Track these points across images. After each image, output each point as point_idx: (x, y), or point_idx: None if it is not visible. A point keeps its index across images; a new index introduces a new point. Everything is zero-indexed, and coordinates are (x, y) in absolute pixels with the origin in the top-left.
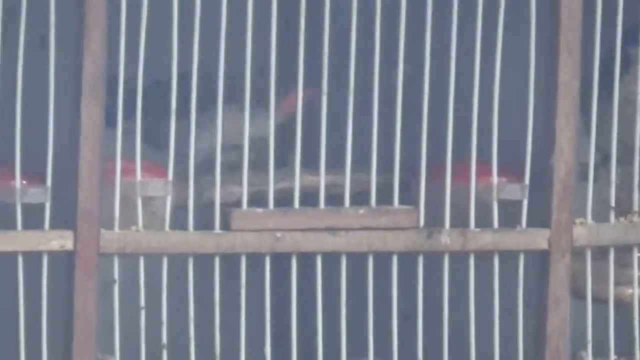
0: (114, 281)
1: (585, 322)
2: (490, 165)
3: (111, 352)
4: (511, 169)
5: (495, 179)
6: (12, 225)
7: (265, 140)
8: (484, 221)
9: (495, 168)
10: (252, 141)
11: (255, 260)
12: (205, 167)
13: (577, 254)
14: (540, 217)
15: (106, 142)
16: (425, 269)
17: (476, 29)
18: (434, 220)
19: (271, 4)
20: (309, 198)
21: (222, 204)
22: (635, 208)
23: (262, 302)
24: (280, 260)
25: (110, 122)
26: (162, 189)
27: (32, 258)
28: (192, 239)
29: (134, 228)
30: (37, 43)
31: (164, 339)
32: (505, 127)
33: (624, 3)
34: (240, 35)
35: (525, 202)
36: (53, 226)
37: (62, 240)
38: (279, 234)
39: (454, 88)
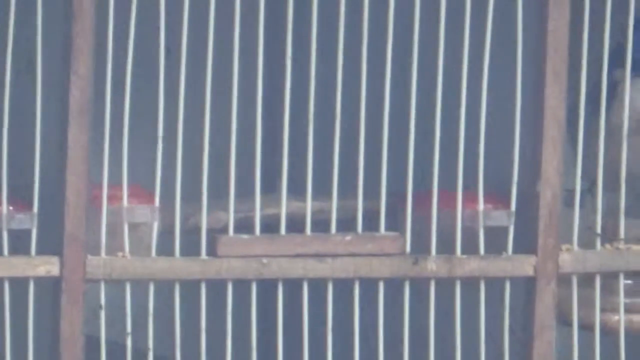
0: (100, 307)
1: (571, 348)
2: (477, 192)
3: None
4: (497, 195)
5: (481, 205)
6: None
7: None
8: (470, 248)
9: (482, 195)
10: None
11: (242, 286)
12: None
13: (563, 280)
14: (526, 244)
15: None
16: (411, 295)
17: (463, 54)
18: (420, 247)
19: (258, 33)
20: (296, 224)
21: (208, 230)
22: (621, 235)
23: (248, 328)
24: (267, 286)
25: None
26: (149, 215)
27: (19, 284)
28: (178, 265)
29: (120, 254)
30: (24, 68)
31: None
32: (491, 154)
33: (611, 31)
34: (228, 55)
35: (511, 229)
36: (39, 252)
37: (48, 266)
38: (265, 260)
39: (440, 115)
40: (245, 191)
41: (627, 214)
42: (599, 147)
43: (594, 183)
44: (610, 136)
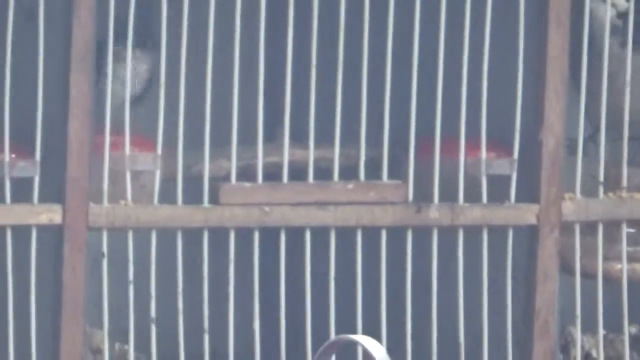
0: (103, 255)
1: (574, 297)
2: (479, 140)
3: (99, 325)
4: (500, 143)
5: (484, 154)
6: (1, 199)
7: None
8: (473, 196)
9: (484, 143)
10: None
11: (244, 234)
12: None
13: (566, 229)
14: (529, 192)
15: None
16: (414, 243)
17: (465, 4)
18: (423, 195)
19: None
20: (298, 172)
21: (210, 178)
22: (624, 183)
23: (251, 276)
24: (269, 234)
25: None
26: (151, 163)
27: (21, 231)
28: (180, 213)
29: (122, 202)
30: (26, 16)
31: (153, 313)
32: (493, 102)
33: None
34: (230, 5)
35: (514, 177)
36: (42, 200)
37: (50, 214)
38: (267, 208)
39: (442, 64)
40: (247, 139)
41: (629, 163)
42: (602, 94)
43: (596, 130)
44: (613, 83)
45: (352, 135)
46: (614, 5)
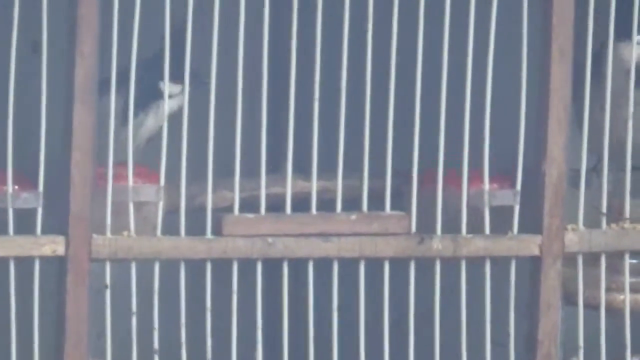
0: (106, 286)
1: (576, 327)
2: (482, 171)
3: (103, 357)
4: (503, 175)
5: (487, 185)
6: (4, 230)
7: None
8: (475, 227)
9: (487, 174)
10: None
11: (247, 265)
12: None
13: (569, 259)
14: (532, 223)
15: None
16: (416, 274)
17: (468, 34)
18: (426, 226)
19: (264, 12)
20: (301, 203)
21: (214, 209)
22: (627, 214)
23: (254, 308)
24: (272, 266)
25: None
26: (154, 195)
27: (24, 263)
28: (183, 244)
29: (125, 233)
30: (29, 48)
31: (156, 344)
32: (497, 133)
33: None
34: (233, 35)
35: (516, 208)
36: (45, 231)
37: (54, 246)
38: (270, 240)
39: (446, 94)
40: (250, 170)
41: (632, 194)
42: (605, 125)
43: (599, 162)
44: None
45: (355, 166)
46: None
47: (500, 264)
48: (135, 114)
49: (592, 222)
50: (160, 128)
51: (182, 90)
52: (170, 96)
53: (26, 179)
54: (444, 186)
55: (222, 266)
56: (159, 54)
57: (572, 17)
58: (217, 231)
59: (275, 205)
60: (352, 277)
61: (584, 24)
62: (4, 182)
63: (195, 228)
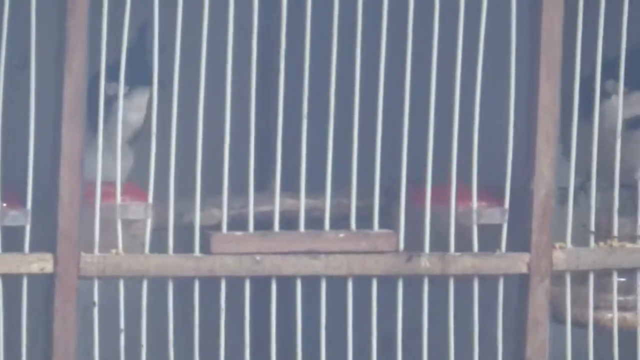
0: (94, 304)
1: (564, 345)
2: (470, 189)
3: None
4: (491, 193)
5: (475, 203)
6: None
7: None
8: (463, 245)
9: (475, 192)
10: None
11: (235, 283)
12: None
13: (557, 277)
14: (520, 241)
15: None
16: (404, 292)
17: (457, 51)
18: (414, 244)
19: (252, 22)
20: (289, 221)
21: (202, 227)
22: (615, 232)
23: (242, 325)
24: (260, 284)
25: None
26: (143, 212)
27: (12, 281)
28: (171, 262)
29: (114, 251)
30: (18, 65)
31: None
32: (485, 151)
33: (605, 25)
34: (221, 53)
35: (505, 226)
36: (33, 249)
37: (42, 263)
38: (258, 257)
39: (434, 112)
40: (238, 188)
41: (620, 212)
42: (593, 145)
43: (587, 180)
44: (603, 135)
45: (343, 184)
46: None
47: (488, 281)
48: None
49: (580, 240)
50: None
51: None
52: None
53: (14, 196)
54: (432, 204)
55: (210, 284)
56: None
57: (561, 34)
58: (206, 249)
59: (264, 223)
60: (340, 294)
61: (572, 44)
62: None
63: (184, 246)
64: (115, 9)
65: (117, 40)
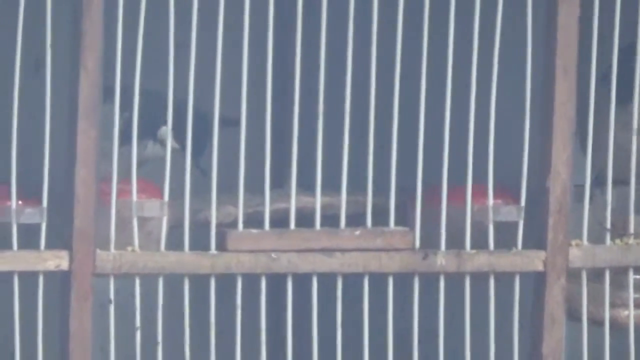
0: (110, 301)
1: (580, 343)
2: (486, 187)
3: None
4: (507, 190)
5: (491, 200)
6: (8, 245)
7: None
8: (479, 243)
9: (491, 190)
10: None
11: (251, 280)
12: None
13: (573, 275)
14: (536, 239)
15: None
16: (420, 290)
17: (472, 50)
18: (430, 242)
19: (268, 20)
20: (305, 219)
21: (218, 225)
22: (631, 230)
23: (258, 323)
24: (276, 281)
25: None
26: (158, 210)
27: (28, 278)
28: (187, 260)
29: (129, 248)
30: (33, 64)
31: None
32: (501, 149)
33: (621, 24)
34: (237, 51)
35: (521, 224)
36: (49, 246)
37: (57, 260)
38: (274, 255)
39: (450, 110)
40: (254, 186)
41: (637, 210)
42: (609, 141)
43: (602, 176)
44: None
45: (359, 182)
46: None
47: (504, 279)
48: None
49: (597, 238)
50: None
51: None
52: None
53: (30, 194)
54: (448, 202)
55: (226, 281)
56: (163, 94)
57: (577, 33)
58: (221, 246)
59: (279, 220)
60: (356, 292)
61: (589, 38)
62: (9, 198)
63: (199, 243)
64: (130, 5)
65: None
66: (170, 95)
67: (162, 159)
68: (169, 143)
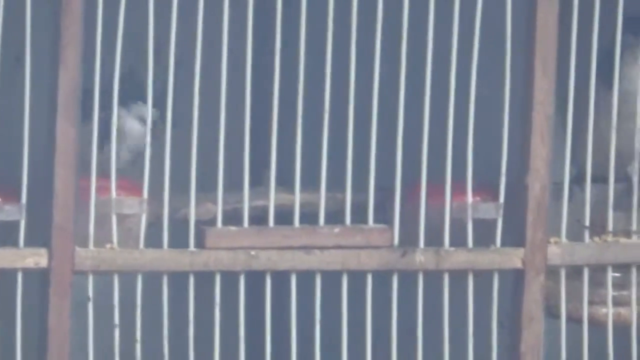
0: (88, 299)
1: (559, 341)
2: (465, 184)
3: None
4: (486, 188)
5: (470, 198)
6: None
7: None
8: (458, 240)
9: (470, 187)
10: None
11: (230, 278)
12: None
13: (552, 273)
14: (514, 236)
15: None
16: (399, 287)
17: (452, 47)
18: (409, 239)
19: (247, 25)
20: (284, 216)
21: (197, 222)
22: (610, 228)
23: (237, 320)
24: (255, 279)
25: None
26: (137, 207)
27: (7, 275)
28: (166, 257)
29: (108, 246)
30: (12, 61)
31: (138, 357)
32: (480, 146)
33: (600, 21)
34: (216, 48)
35: (499, 221)
36: (28, 244)
37: (36, 258)
38: (253, 252)
39: (429, 107)
40: (233, 183)
41: (615, 207)
42: (588, 138)
43: (582, 174)
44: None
45: (337, 179)
46: None
47: (482, 276)
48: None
49: (575, 235)
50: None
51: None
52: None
53: (9, 191)
54: (427, 199)
55: (205, 279)
56: (130, 76)
57: (556, 30)
58: (200, 244)
59: (259, 218)
60: (335, 289)
61: (568, 36)
62: None
63: (178, 241)
64: (110, 2)
65: (111, 40)
66: (150, 95)
67: (139, 138)
68: (149, 120)
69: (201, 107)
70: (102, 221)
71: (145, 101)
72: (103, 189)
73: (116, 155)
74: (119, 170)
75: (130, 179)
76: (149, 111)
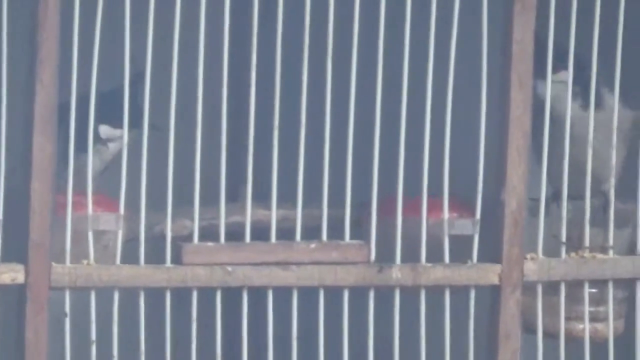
0: (65, 315)
1: (536, 357)
2: (442, 200)
3: None
4: (462, 204)
5: (446, 214)
6: None
7: None
8: (435, 256)
9: (447, 203)
10: None
11: (206, 294)
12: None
13: (528, 288)
14: (491, 252)
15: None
16: (376, 303)
17: (428, 62)
18: (385, 255)
19: (223, 33)
20: (261, 232)
21: (173, 238)
22: (586, 243)
23: (213, 336)
24: (231, 295)
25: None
26: (114, 223)
27: None
28: (143, 273)
29: (85, 262)
30: None
31: None
32: (456, 162)
33: (576, 38)
34: (192, 65)
35: (476, 237)
36: (4, 260)
37: (13, 274)
38: (230, 268)
39: (405, 122)
40: (210, 199)
41: (592, 223)
42: (564, 155)
43: (558, 191)
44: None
45: (314, 195)
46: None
47: (459, 292)
48: (77, 156)
49: (552, 251)
50: (105, 168)
51: (122, 135)
52: (110, 140)
53: None
54: (404, 215)
55: (181, 295)
56: (106, 93)
57: (532, 46)
58: (177, 260)
59: (235, 234)
60: (312, 305)
61: (543, 54)
62: None
63: (155, 256)
64: (87, 19)
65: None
66: (127, 107)
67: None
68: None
69: (177, 123)
70: (79, 237)
71: (117, 120)
72: (80, 205)
73: (92, 170)
74: (95, 187)
75: (106, 195)
76: (124, 128)
